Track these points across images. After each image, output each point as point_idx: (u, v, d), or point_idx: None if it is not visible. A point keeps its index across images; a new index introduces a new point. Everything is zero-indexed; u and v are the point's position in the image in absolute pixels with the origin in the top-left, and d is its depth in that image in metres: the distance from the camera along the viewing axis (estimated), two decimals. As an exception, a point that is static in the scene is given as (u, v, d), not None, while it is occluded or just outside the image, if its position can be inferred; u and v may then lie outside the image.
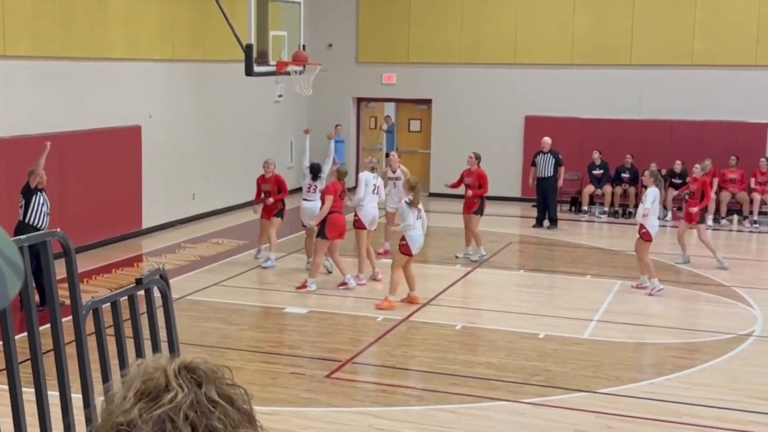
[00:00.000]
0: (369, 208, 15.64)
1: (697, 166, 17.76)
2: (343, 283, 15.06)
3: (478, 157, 18.05)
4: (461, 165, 24.32)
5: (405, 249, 13.84)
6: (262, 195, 17.15)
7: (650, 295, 14.89)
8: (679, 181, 21.92)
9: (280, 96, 24.34)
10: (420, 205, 14.18)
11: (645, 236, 15.05)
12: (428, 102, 25.70)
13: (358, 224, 15.52)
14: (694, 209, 16.86)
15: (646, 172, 16.09)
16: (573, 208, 22.86)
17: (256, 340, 12.63)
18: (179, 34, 20.35)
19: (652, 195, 15.08)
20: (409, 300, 14.09)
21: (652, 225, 15.06)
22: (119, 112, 18.72)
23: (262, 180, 17.25)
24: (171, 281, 15.94)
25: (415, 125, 26.36)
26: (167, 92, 20.34)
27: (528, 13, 24.47)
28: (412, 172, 25.08)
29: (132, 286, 5.47)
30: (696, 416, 9.66)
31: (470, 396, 10.26)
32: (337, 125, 25.43)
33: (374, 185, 15.76)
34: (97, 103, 18.13)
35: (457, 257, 17.41)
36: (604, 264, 17.20)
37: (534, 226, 21.12)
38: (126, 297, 5.42)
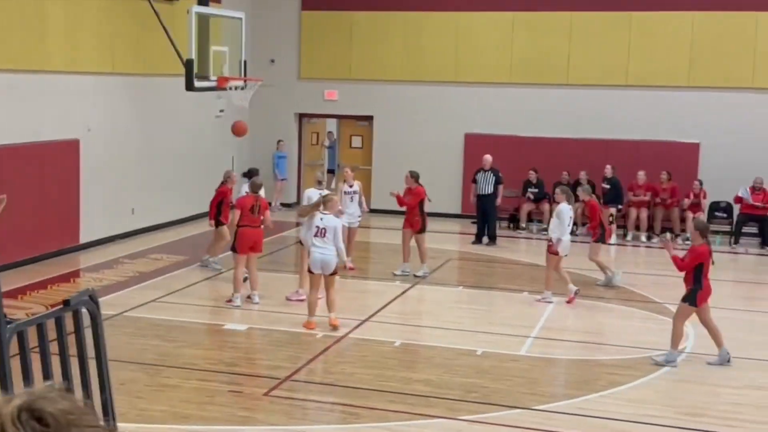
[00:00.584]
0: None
1: (580, 188, 18.33)
2: (229, 300, 14.91)
3: (413, 175, 17.89)
4: (401, 183, 24.54)
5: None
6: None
7: (538, 301, 15.60)
8: (608, 187, 22.42)
9: (221, 111, 24.10)
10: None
11: (551, 249, 15.68)
12: (370, 118, 25.70)
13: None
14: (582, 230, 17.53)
15: (558, 189, 16.40)
16: (511, 225, 23.01)
17: (194, 357, 12.44)
18: (119, 48, 20.04)
19: (565, 212, 15.61)
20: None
21: (564, 240, 15.57)
22: (57, 125, 18.35)
23: (229, 192, 17.39)
24: (109, 297, 15.63)
25: (356, 141, 26.31)
26: (107, 106, 19.96)
27: (468, 32, 24.63)
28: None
29: (59, 307, 5.31)
30: (628, 433, 9.72)
31: (408, 413, 10.19)
32: (279, 141, 25.44)
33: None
34: (34, 116, 17.75)
35: (394, 274, 17.32)
36: (541, 281, 17.01)
37: (473, 243, 21.26)
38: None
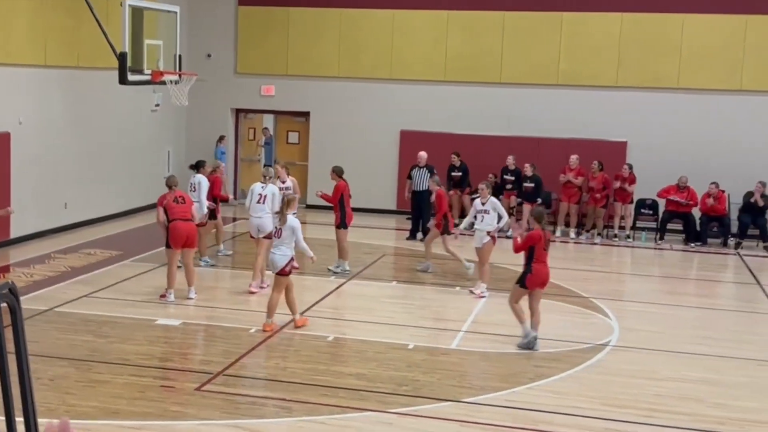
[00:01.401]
0: (253, 218, 15.87)
1: (431, 180, 19.00)
2: (163, 296, 14.86)
3: (335, 171, 17.67)
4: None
5: None
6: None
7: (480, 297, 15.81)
8: (511, 178, 22.97)
9: (157, 105, 23.90)
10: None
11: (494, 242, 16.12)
12: (306, 114, 25.74)
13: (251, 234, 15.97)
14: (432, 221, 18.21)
15: (482, 185, 16.55)
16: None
17: (126, 352, 12.16)
18: (52, 40, 19.61)
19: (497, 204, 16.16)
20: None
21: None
22: None
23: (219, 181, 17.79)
24: (40, 292, 14.63)
25: (293, 137, 26.32)
26: (39, 99, 19.58)
27: (404, 30, 24.78)
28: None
29: None
30: (554, 424, 9.91)
31: (339, 407, 10.24)
32: (221, 136, 25.36)
33: (260, 194, 15.82)
34: None
35: (329, 270, 17.39)
36: (473, 276, 17.28)
37: (407, 239, 21.43)
38: None
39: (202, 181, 17.11)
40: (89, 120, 21.39)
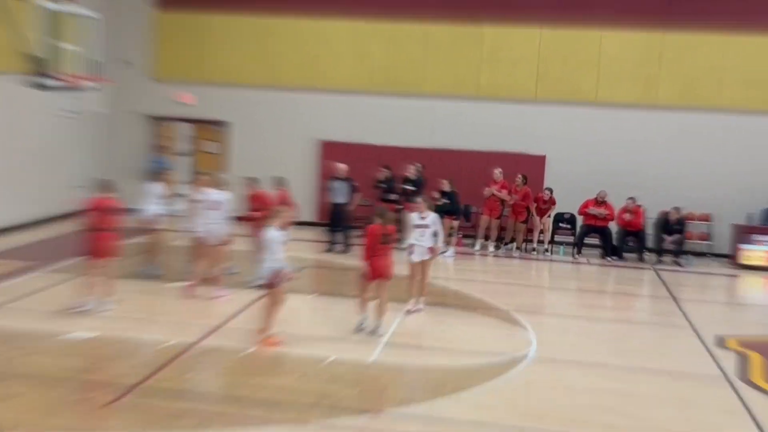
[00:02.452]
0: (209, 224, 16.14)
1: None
2: (79, 306, 14.53)
3: (252, 180, 18.11)
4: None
5: None
6: None
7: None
8: (447, 201, 22.83)
9: (71, 111, 23.22)
10: None
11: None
12: (226, 123, 25.70)
13: None
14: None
15: (420, 200, 16.50)
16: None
17: (39, 365, 11.82)
18: None
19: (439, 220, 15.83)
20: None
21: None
22: None
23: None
24: None
25: (213, 146, 26.27)
26: None
27: (326, 39, 24.96)
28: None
29: None
30: (474, 436, 10.02)
31: (259, 418, 10.21)
32: (161, 145, 24.96)
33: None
34: None
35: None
36: (392, 288, 17.40)
37: (326, 251, 21.47)
38: None
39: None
40: None
